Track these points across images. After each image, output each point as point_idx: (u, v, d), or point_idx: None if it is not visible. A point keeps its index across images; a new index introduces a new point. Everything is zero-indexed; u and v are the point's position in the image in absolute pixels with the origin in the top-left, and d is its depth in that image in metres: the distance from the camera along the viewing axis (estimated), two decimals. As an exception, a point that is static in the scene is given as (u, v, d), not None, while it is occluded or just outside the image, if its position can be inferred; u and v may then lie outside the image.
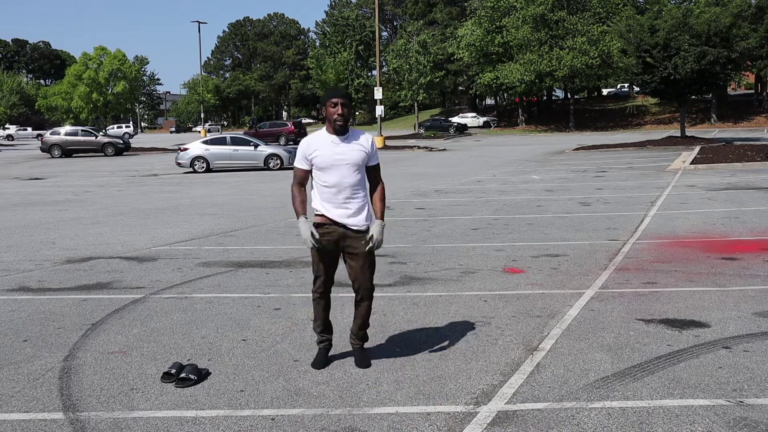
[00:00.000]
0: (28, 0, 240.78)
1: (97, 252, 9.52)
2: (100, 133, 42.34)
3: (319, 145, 4.49)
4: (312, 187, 4.61)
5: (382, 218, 4.60)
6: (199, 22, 67.66)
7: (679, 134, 35.49)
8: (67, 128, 41.88)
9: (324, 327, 4.80)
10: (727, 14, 30.90)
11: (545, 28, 57.85)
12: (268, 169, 26.25)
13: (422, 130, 62.02)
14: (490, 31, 61.89)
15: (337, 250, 4.60)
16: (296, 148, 27.73)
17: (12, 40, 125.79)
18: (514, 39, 58.72)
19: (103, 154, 39.99)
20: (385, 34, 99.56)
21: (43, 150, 39.77)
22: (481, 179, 19.84)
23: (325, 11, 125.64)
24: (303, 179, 4.61)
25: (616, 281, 7.09)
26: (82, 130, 41.02)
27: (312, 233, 4.49)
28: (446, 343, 5.22)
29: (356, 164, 4.48)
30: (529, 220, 11.49)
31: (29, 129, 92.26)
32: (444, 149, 39.18)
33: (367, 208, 4.58)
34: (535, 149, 35.51)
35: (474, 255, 8.68)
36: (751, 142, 31.08)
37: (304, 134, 51.10)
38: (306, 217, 4.52)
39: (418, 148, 39.99)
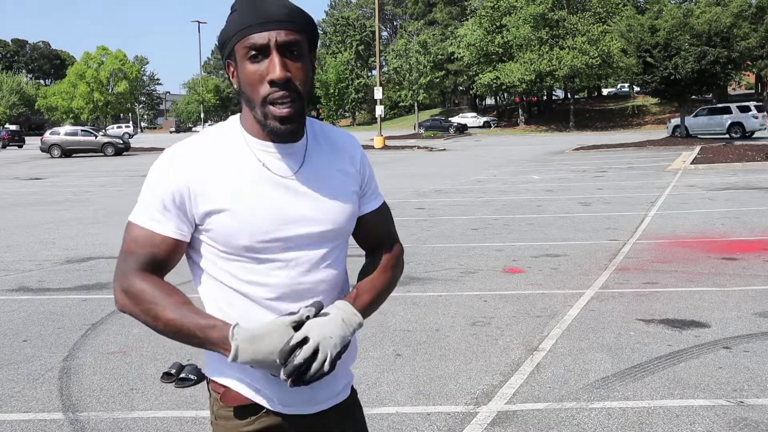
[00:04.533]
0: (28, 0, 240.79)
1: (97, 252, 9.51)
2: (100, 133, 42.35)
3: (224, 176, 1.56)
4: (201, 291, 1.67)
5: (358, 304, 1.64)
6: (199, 22, 67.72)
7: (679, 134, 35.47)
8: (67, 128, 41.88)
9: None
10: (727, 14, 30.91)
11: (545, 28, 57.88)
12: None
13: (422, 130, 62.00)
14: (491, 31, 61.91)
15: None
16: None
17: (12, 40, 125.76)
18: (514, 38, 58.75)
19: (102, 154, 39.96)
20: (385, 34, 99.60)
21: (42, 150, 39.78)
22: (481, 179, 19.83)
23: (325, 11, 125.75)
24: (154, 261, 1.57)
25: (616, 281, 7.09)
26: (81, 130, 41.02)
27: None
28: (446, 343, 5.22)
29: (341, 225, 1.66)
30: (529, 220, 11.49)
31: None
32: (444, 149, 39.16)
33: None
34: (535, 149, 35.50)
35: (474, 255, 8.67)
36: (752, 142, 31.06)
37: (21, 141, 51.98)
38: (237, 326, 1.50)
39: (418, 148, 39.98)
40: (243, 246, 1.55)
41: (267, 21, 1.48)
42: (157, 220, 1.56)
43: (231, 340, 1.46)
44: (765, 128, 33.69)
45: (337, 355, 1.50)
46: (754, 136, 34.65)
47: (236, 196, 1.54)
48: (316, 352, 1.46)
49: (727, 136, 33.87)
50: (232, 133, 1.61)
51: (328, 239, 1.64)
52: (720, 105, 37.47)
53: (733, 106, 35.58)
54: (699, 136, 34.49)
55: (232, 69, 1.57)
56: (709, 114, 35.60)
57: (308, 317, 1.50)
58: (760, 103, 33.70)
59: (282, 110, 1.50)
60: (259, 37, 1.48)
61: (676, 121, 36.62)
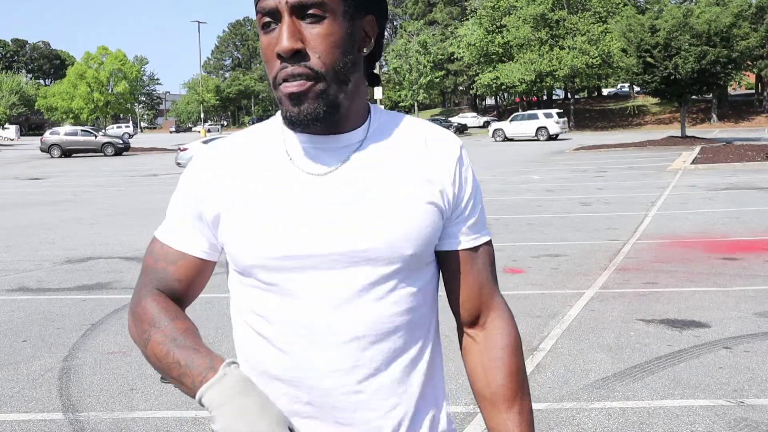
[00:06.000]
0: (28, 0, 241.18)
1: (97, 252, 9.51)
2: (100, 133, 42.36)
3: (238, 175, 1.18)
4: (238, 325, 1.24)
5: None
6: (199, 22, 67.65)
7: (679, 134, 35.47)
8: (67, 128, 41.89)
9: None
10: (727, 14, 30.91)
11: (545, 28, 57.94)
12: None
13: (422, 130, 61.91)
14: (491, 31, 61.96)
15: None
16: None
17: (12, 40, 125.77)
18: (514, 38, 58.80)
19: (102, 154, 39.97)
20: (385, 33, 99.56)
21: (42, 150, 39.78)
22: (481, 179, 19.83)
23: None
24: (170, 281, 1.22)
25: (617, 281, 7.09)
26: (81, 130, 41.03)
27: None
28: (446, 343, 5.21)
29: (397, 245, 1.14)
30: (529, 220, 11.49)
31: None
32: (444, 149, 39.10)
33: (437, 409, 1.32)
34: (535, 149, 35.48)
35: (474, 255, 8.66)
36: (752, 142, 31.07)
37: None
38: (235, 363, 1.07)
39: (419, 148, 39.94)
40: (249, 264, 1.15)
41: None
42: (175, 233, 1.22)
43: (221, 368, 1.04)
44: (565, 131, 40.81)
45: None
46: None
47: (244, 198, 1.15)
48: None
49: (536, 138, 40.53)
50: (273, 125, 1.23)
51: (373, 263, 1.13)
52: (529, 112, 44.49)
53: (540, 112, 42.70)
54: (515, 139, 41.57)
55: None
56: (521, 120, 42.36)
57: None
58: (561, 110, 40.65)
59: (289, 87, 1.09)
60: (269, 0, 1.09)
61: (496, 124, 44.74)
